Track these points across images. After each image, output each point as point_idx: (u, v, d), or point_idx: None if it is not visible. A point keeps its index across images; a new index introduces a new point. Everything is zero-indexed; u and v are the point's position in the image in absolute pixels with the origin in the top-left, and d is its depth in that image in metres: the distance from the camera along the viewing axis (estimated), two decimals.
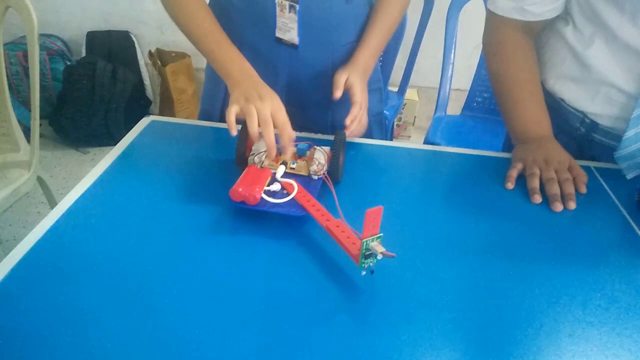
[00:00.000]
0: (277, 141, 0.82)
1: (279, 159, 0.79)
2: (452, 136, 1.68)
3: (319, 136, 0.95)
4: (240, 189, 0.69)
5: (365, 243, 0.58)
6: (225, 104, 1.04)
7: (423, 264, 0.66)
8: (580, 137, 0.94)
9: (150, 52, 2.59)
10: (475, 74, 1.77)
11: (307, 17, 0.88)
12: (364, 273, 0.61)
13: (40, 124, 1.33)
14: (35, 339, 0.53)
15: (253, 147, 0.80)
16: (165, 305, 0.58)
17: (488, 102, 1.80)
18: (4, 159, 1.38)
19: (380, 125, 1.14)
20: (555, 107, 0.95)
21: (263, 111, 0.75)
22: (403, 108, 2.58)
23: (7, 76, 1.35)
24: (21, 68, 2.46)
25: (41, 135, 1.36)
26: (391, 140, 2.08)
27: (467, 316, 0.59)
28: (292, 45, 0.91)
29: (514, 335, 0.57)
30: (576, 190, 0.82)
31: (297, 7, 0.86)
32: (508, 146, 0.96)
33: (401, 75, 1.99)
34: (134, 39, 2.59)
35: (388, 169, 0.89)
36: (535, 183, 0.82)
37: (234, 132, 0.75)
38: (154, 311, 0.57)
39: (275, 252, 0.67)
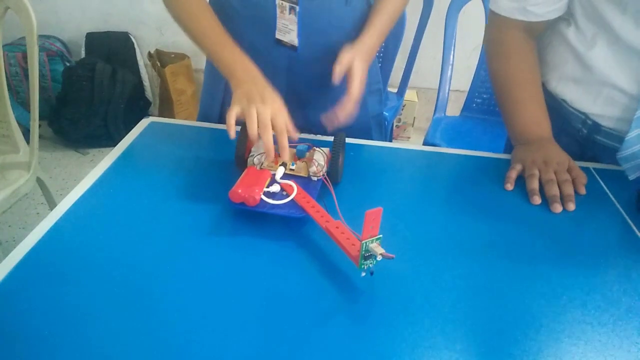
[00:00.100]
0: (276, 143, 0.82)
1: (278, 160, 0.79)
2: (451, 137, 1.68)
3: (319, 137, 0.95)
4: (240, 190, 0.69)
5: (364, 244, 0.58)
6: (224, 106, 1.04)
7: (423, 265, 0.66)
8: (582, 138, 0.94)
9: (149, 53, 2.59)
10: (474, 75, 1.77)
11: (306, 19, 0.88)
12: (363, 274, 0.61)
13: (40, 125, 1.33)
14: (35, 340, 0.53)
15: (252, 149, 0.80)
16: (165, 306, 0.58)
17: (487, 103, 1.80)
18: (4, 160, 1.38)
19: (380, 127, 1.14)
20: (557, 109, 0.95)
21: (263, 114, 0.75)
22: (402, 109, 2.58)
23: (7, 77, 1.35)
24: (20, 69, 2.45)
25: (40, 137, 1.36)
26: (390, 141, 2.08)
27: (467, 317, 0.59)
28: (292, 47, 0.91)
29: (513, 336, 0.57)
30: (575, 191, 0.82)
31: (297, 8, 0.86)
32: (509, 147, 0.96)
33: (400, 76, 2.00)
34: (133, 40, 2.59)
35: (387, 170, 0.89)
36: (535, 184, 0.82)
37: (233, 135, 0.75)
38: (153, 312, 0.57)
39: (274, 254, 0.67)
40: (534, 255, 0.70)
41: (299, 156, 0.80)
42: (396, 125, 2.65)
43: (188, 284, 0.61)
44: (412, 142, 2.65)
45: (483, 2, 1.67)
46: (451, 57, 1.74)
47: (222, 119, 1.05)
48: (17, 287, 0.59)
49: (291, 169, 0.78)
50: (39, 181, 1.41)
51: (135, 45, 2.60)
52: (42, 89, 2.48)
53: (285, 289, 0.61)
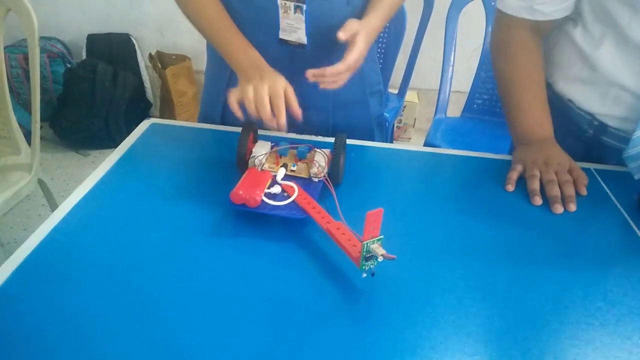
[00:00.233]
0: (278, 144, 0.82)
1: (279, 161, 0.80)
2: (452, 138, 1.68)
3: (320, 139, 0.95)
4: (241, 192, 0.69)
5: (365, 245, 0.58)
6: (225, 107, 1.04)
7: (424, 266, 0.66)
8: (588, 139, 0.94)
9: (150, 54, 2.59)
10: (475, 76, 1.77)
11: (309, 19, 0.88)
12: (364, 275, 0.61)
13: (41, 127, 1.33)
14: (37, 342, 0.53)
15: (254, 150, 0.80)
16: (166, 307, 0.58)
17: (488, 104, 1.80)
18: (5, 162, 1.38)
19: (381, 128, 1.14)
20: (564, 110, 0.95)
21: (259, 91, 0.77)
22: (403, 110, 2.58)
23: (8, 79, 1.35)
24: (22, 71, 2.46)
25: (42, 138, 1.36)
26: (391, 142, 2.08)
27: (468, 318, 0.59)
28: (300, 45, 0.91)
29: (515, 336, 0.57)
30: (576, 192, 0.82)
31: (304, 7, 0.86)
32: (514, 149, 0.95)
33: (401, 77, 2.00)
34: (134, 41, 2.60)
35: (388, 171, 0.89)
36: (536, 185, 0.82)
37: (240, 114, 0.78)
38: (155, 313, 0.57)
39: (275, 255, 0.67)
40: (535, 256, 0.70)
41: (299, 157, 0.80)
42: (397, 126, 2.65)
43: (189, 285, 0.61)
44: (413, 143, 2.65)
45: (483, 3, 1.67)
46: (452, 58, 1.74)
47: (223, 120, 1.05)
48: (19, 289, 0.59)
49: (292, 170, 0.78)
50: (41, 183, 1.41)
51: (136, 47, 2.60)
52: (43, 90, 2.49)
53: (287, 290, 0.61)
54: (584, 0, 0.86)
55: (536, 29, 0.91)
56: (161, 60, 2.56)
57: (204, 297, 0.60)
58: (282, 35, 0.91)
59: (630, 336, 0.58)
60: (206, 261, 0.65)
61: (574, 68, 0.91)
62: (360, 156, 0.91)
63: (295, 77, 0.97)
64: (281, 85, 0.80)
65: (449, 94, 1.79)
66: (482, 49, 1.73)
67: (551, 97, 0.95)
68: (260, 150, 0.80)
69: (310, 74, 0.80)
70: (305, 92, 1.00)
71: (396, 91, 2.04)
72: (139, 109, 2.57)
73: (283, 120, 0.77)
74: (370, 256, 0.59)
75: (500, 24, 0.94)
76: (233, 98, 0.80)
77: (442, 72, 1.75)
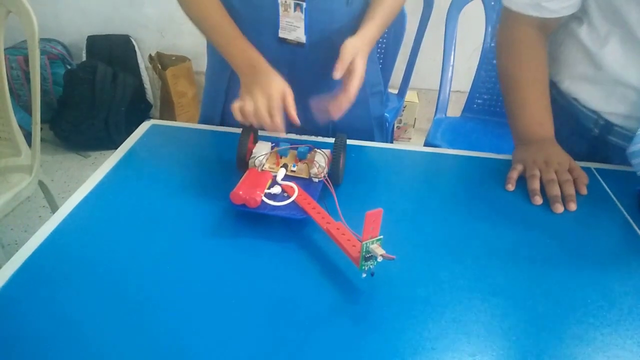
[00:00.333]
0: (279, 144, 0.82)
1: (279, 162, 0.80)
2: (452, 138, 1.68)
3: (320, 139, 0.95)
4: (241, 192, 0.69)
5: (365, 245, 0.58)
6: (226, 108, 1.04)
7: (423, 266, 0.66)
8: (594, 138, 0.94)
9: (150, 55, 2.60)
10: (475, 76, 1.77)
11: (309, 19, 0.88)
12: (364, 275, 0.61)
13: (41, 128, 1.33)
14: (37, 344, 0.53)
15: (254, 150, 0.80)
16: (166, 308, 0.58)
17: (488, 104, 1.80)
18: (5, 163, 1.39)
19: (381, 128, 1.14)
20: (569, 109, 0.95)
21: (257, 103, 0.79)
22: (403, 110, 2.58)
23: (8, 81, 1.35)
24: (22, 72, 2.46)
25: (42, 139, 1.36)
26: (391, 142, 2.08)
27: (468, 318, 0.59)
28: (299, 44, 0.91)
29: (515, 336, 0.57)
30: (577, 191, 0.82)
31: (304, 5, 0.86)
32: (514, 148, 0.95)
33: (401, 78, 2.00)
34: (134, 42, 2.60)
35: (388, 172, 0.89)
36: (536, 184, 0.82)
37: (242, 120, 0.80)
38: (155, 314, 0.57)
39: (276, 255, 0.67)
40: (535, 255, 0.70)
41: (300, 158, 0.80)
42: (397, 127, 2.65)
43: (190, 285, 0.61)
44: (413, 143, 2.65)
45: (483, 3, 1.67)
46: (452, 58, 1.74)
47: (223, 121, 1.05)
48: (20, 290, 0.59)
49: (292, 171, 0.78)
50: (41, 184, 1.41)
51: (136, 48, 2.61)
52: (43, 92, 2.49)
53: (286, 290, 0.61)
54: None
55: (542, 26, 0.90)
56: (161, 62, 2.57)
57: (205, 297, 0.60)
58: (282, 33, 0.91)
59: (632, 335, 0.58)
60: (207, 261, 0.65)
61: (579, 67, 0.91)
62: (360, 156, 0.91)
63: (294, 76, 0.97)
64: (278, 90, 0.80)
65: (449, 93, 1.79)
66: (482, 48, 1.73)
67: (556, 97, 0.95)
68: (261, 151, 0.80)
69: (315, 106, 0.83)
70: (305, 92, 1.00)
71: (396, 91, 2.04)
72: (139, 110, 2.57)
73: (278, 124, 0.78)
74: (369, 256, 0.59)
75: (505, 21, 0.94)
76: (236, 110, 0.80)
77: (442, 72, 1.75)
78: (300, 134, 0.97)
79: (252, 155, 0.79)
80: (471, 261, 0.68)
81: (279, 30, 0.90)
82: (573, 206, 0.79)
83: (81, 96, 2.37)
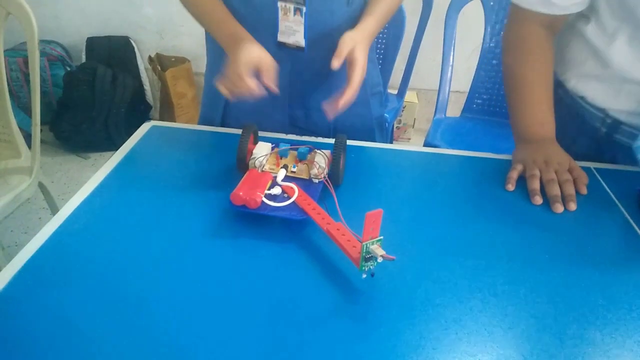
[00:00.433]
0: (279, 145, 0.82)
1: (279, 162, 0.80)
2: (452, 138, 1.68)
3: (320, 139, 0.95)
4: (241, 193, 0.69)
5: (365, 246, 0.58)
6: (226, 109, 1.04)
7: (423, 267, 0.66)
8: (601, 138, 0.93)
9: (150, 57, 2.60)
10: (474, 76, 1.77)
11: (309, 21, 0.89)
12: (364, 276, 0.61)
13: (41, 130, 1.33)
14: (38, 345, 0.53)
15: (254, 151, 0.80)
16: (167, 309, 0.58)
17: (487, 104, 1.80)
18: (5, 165, 1.39)
19: (381, 128, 1.15)
20: (576, 108, 0.94)
21: (227, 77, 0.81)
22: (403, 110, 2.58)
23: (8, 82, 1.36)
24: (21, 74, 2.46)
25: (42, 141, 1.36)
26: (391, 142, 2.08)
27: (468, 318, 0.59)
28: (298, 48, 0.91)
29: (515, 336, 0.57)
30: (577, 191, 0.82)
31: (304, 9, 0.86)
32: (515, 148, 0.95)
33: (400, 78, 2.00)
34: (133, 44, 2.60)
35: (388, 172, 0.89)
36: (536, 184, 0.82)
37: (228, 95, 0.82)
38: (156, 315, 0.57)
39: (276, 256, 0.67)
40: (535, 255, 0.70)
41: (300, 158, 0.80)
42: (396, 127, 2.65)
43: (190, 286, 0.61)
44: (413, 143, 2.66)
45: (482, 3, 1.67)
46: (451, 58, 1.74)
47: (224, 122, 1.05)
48: (21, 292, 0.59)
49: (292, 172, 0.78)
50: (41, 186, 1.41)
51: (136, 50, 2.61)
52: (43, 93, 2.49)
53: (287, 291, 0.61)
54: None
55: (550, 25, 0.89)
56: (161, 63, 2.57)
57: (205, 298, 0.60)
58: (281, 37, 0.91)
59: (632, 335, 0.58)
60: (207, 262, 0.65)
61: (586, 65, 0.91)
62: (360, 157, 0.91)
63: (295, 79, 0.98)
64: (248, 55, 0.80)
65: (448, 94, 1.79)
66: (481, 48, 1.73)
67: (562, 96, 0.95)
68: (261, 152, 0.80)
69: (327, 108, 0.82)
70: (306, 93, 1.01)
71: (396, 92, 2.05)
72: (139, 111, 2.57)
73: (246, 85, 0.79)
74: (369, 257, 0.59)
75: (513, 18, 0.93)
76: (219, 86, 0.82)
77: (441, 72, 1.75)
78: (302, 134, 0.97)
79: (252, 156, 0.79)
80: (471, 261, 0.68)
81: (278, 34, 0.90)
82: (573, 206, 0.79)
83: (81, 98, 2.37)
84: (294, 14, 0.87)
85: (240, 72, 0.79)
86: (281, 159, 0.81)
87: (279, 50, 0.92)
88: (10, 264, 0.63)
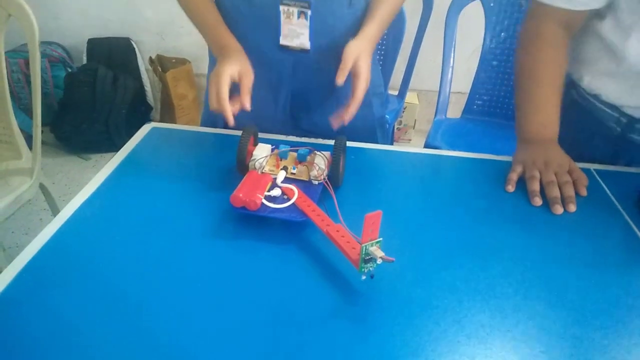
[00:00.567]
0: (279, 147, 0.82)
1: (279, 164, 0.80)
2: (452, 139, 1.68)
3: (320, 141, 0.96)
4: (241, 195, 0.69)
5: (364, 248, 0.58)
6: None
7: (423, 268, 0.67)
8: (616, 137, 0.93)
9: (150, 58, 2.60)
10: (475, 77, 1.77)
11: (312, 21, 0.89)
12: (363, 277, 0.61)
13: (42, 131, 1.34)
14: (38, 347, 0.53)
15: (254, 153, 0.80)
16: (167, 310, 0.58)
17: (488, 105, 1.80)
18: (6, 166, 1.39)
19: (383, 129, 1.15)
20: (590, 109, 0.94)
21: (209, 95, 0.82)
22: (403, 111, 2.58)
23: (9, 83, 1.36)
24: (22, 75, 2.46)
25: (43, 142, 1.36)
26: (391, 144, 2.08)
27: (468, 319, 0.59)
28: (302, 51, 0.91)
29: (515, 337, 0.57)
30: (576, 192, 0.82)
31: (309, 12, 0.86)
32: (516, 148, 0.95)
33: (401, 79, 2.00)
34: (134, 45, 2.60)
35: (389, 173, 0.89)
36: (536, 186, 0.82)
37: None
38: (156, 316, 0.57)
39: (275, 257, 0.67)
40: (535, 256, 0.70)
41: (300, 160, 0.80)
42: (397, 128, 2.65)
43: (190, 287, 0.61)
44: (413, 144, 2.65)
45: (482, 4, 1.67)
46: (451, 59, 1.74)
47: (226, 124, 1.05)
48: (22, 293, 0.60)
49: (292, 173, 0.78)
50: (42, 187, 1.41)
51: (137, 51, 2.61)
52: (44, 95, 2.49)
53: (286, 292, 0.61)
54: None
55: (568, 23, 0.88)
56: (161, 64, 2.57)
57: (205, 299, 0.60)
58: (283, 41, 0.91)
59: (631, 336, 0.58)
60: (207, 264, 0.65)
61: (600, 63, 0.90)
62: (360, 158, 0.91)
63: (298, 81, 0.98)
64: (227, 71, 0.81)
65: (448, 95, 1.79)
66: (482, 49, 1.73)
67: (576, 98, 0.94)
68: (261, 153, 0.80)
69: (333, 121, 0.84)
70: (309, 95, 1.01)
71: (396, 93, 2.05)
72: (140, 112, 2.58)
73: (221, 107, 0.79)
74: (369, 258, 0.59)
75: (533, 14, 0.92)
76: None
77: (441, 73, 1.75)
78: (304, 135, 0.97)
79: (252, 158, 0.80)
80: (471, 263, 0.68)
81: (281, 38, 0.90)
82: (573, 207, 0.79)
83: (82, 99, 2.37)
84: (298, 17, 0.87)
85: (220, 92, 0.80)
86: (281, 160, 0.81)
87: (281, 52, 0.92)
88: (11, 265, 0.63)
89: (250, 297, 0.60)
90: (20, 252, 0.65)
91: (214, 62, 1.05)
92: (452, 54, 1.73)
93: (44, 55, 2.46)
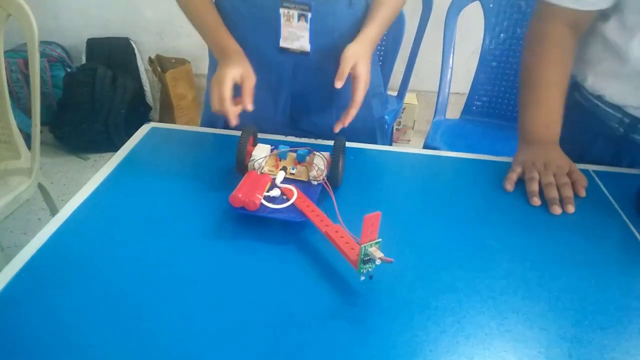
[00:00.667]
0: (278, 147, 0.82)
1: (278, 164, 0.80)
2: (451, 140, 1.68)
3: (319, 141, 0.96)
4: (240, 195, 0.69)
5: (363, 248, 0.58)
6: None
7: (422, 269, 0.67)
8: (619, 138, 0.93)
9: (150, 58, 2.60)
10: (474, 78, 1.77)
11: (313, 24, 0.89)
12: (362, 278, 0.61)
13: (41, 131, 1.34)
14: (37, 347, 0.53)
15: (253, 153, 0.80)
16: (166, 310, 0.58)
17: (487, 106, 1.80)
18: (5, 166, 1.39)
19: (383, 129, 1.15)
20: (593, 111, 0.94)
21: (212, 99, 0.83)
22: (402, 112, 2.58)
23: (8, 83, 1.36)
24: (22, 75, 2.46)
25: (42, 142, 1.36)
26: (391, 144, 2.08)
27: (467, 320, 0.59)
28: (302, 53, 0.91)
29: (514, 338, 0.57)
30: (575, 194, 0.82)
31: (309, 15, 0.86)
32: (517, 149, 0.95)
33: (400, 80, 2.00)
34: (133, 45, 2.60)
35: (388, 174, 0.89)
36: (534, 187, 0.82)
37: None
38: (155, 316, 0.57)
39: (274, 258, 0.67)
40: (534, 257, 0.70)
41: (299, 160, 0.80)
42: (396, 129, 2.65)
43: (189, 287, 0.61)
44: (412, 145, 2.66)
45: (482, 5, 1.67)
46: (450, 60, 1.74)
47: (227, 124, 1.05)
48: (20, 293, 0.60)
49: (291, 173, 0.78)
50: (41, 187, 1.41)
51: (136, 51, 2.61)
52: (43, 94, 2.49)
53: (285, 293, 0.61)
54: None
55: (574, 24, 0.88)
56: (161, 64, 2.57)
57: (204, 299, 0.60)
58: (283, 43, 0.91)
59: (630, 337, 0.58)
60: (206, 264, 0.65)
61: (604, 63, 0.90)
62: (359, 159, 0.91)
63: (296, 81, 0.98)
64: (230, 75, 0.82)
65: (447, 95, 1.79)
66: (481, 50, 1.73)
67: (580, 100, 0.94)
68: (260, 154, 0.80)
69: (335, 126, 0.85)
70: (309, 95, 1.01)
71: (395, 93, 2.05)
72: (139, 112, 2.57)
73: (225, 111, 0.81)
74: (368, 259, 0.59)
75: (540, 14, 0.91)
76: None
77: (440, 74, 1.76)
78: (304, 136, 0.97)
79: (252, 158, 0.80)
80: (470, 264, 0.68)
81: (281, 40, 0.90)
82: (571, 208, 0.79)
83: (81, 99, 2.37)
84: (298, 19, 0.87)
85: (223, 94, 0.81)
86: (280, 160, 0.81)
87: (281, 54, 0.92)
88: (9, 265, 0.63)
89: (249, 298, 0.60)
90: (19, 251, 0.65)
91: (214, 62, 1.05)
92: (452, 55, 1.73)
93: (43, 55, 2.46)
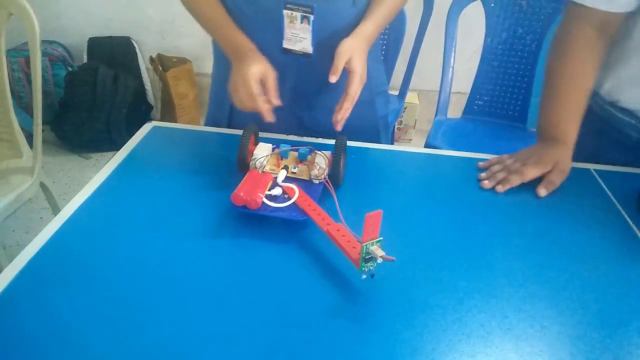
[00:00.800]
0: (279, 146, 0.82)
1: (280, 163, 0.80)
2: (453, 139, 1.68)
3: (320, 140, 0.96)
4: (242, 194, 0.69)
5: (365, 247, 0.58)
6: (232, 110, 1.04)
7: (423, 267, 0.67)
8: (634, 145, 0.93)
9: (151, 57, 2.60)
10: (475, 77, 1.77)
11: (316, 24, 0.89)
12: (364, 277, 0.61)
13: (43, 130, 1.34)
14: (39, 346, 0.54)
15: (255, 152, 0.80)
16: (168, 309, 0.58)
17: (488, 105, 1.80)
18: (7, 165, 1.39)
19: (386, 128, 1.15)
20: (606, 117, 0.94)
21: (242, 101, 0.84)
22: (404, 111, 2.58)
23: (10, 82, 1.36)
24: (23, 74, 2.47)
25: (43, 141, 1.36)
26: (392, 143, 2.08)
27: (468, 319, 0.59)
28: (305, 55, 0.91)
29: (515, 336, 0.57)
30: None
31: (312, 17, 0.86)
32: None
33: (401, 79, 2.00)
34: (135, 44, 2.60)
35: (389, 173, 0.89)
36: (488, 172, 0.87)
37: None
38: (157, 315, 0.57)
39: (276, 256, 0.67)
40: (534, 256, 0.70)
41: (300, 159, 0.80)
42: (397, 128, 2.65)
43: (191, 286, 0.62)
44: (414, 144, 2.66)
45: (483, 4, 1.67)
46: (452, 59, 1.74)
47: (230, 121, 1.06)
48: (22, 292, 0.60)
49: (293, 172, 0.78)
50: (42, 186, 1.41)
51: (137, 50, 2.61)
52: (44, 93, 2.49)
53: (287, 291, 0.62)
54: None
55: (603, 26, 0.87)
56: (162, 63, 2.57)
57: (206, 298, 0.60)
58: (286, 44, 0.91)
59: (630, 336, 0.58)
60: (208, 262, 0.65)
61: (622, 68, 0.90)
62: (360, 158, 0.91)
63: (301, 82, 0.98)
64: (253, 75, 0.82)
65: (449, 95, 1.79)
66: (482, 49, 1.73)
67: (594, 109, 0.94)
68: (262, 153, 0.80)
69: (336, 123, 0.84)
70: (312, 94, 1.01)
71: (397, 92, 2.05)
72: (140, 111, 2.58)
73: (260, 109, 0.81)
74: (369, 258, 0.60)
75: (569, 16, 0.90)
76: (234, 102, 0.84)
77: (442, 73, 1.76)
78: (308, 135, 0.97)
79: (253, 157, 0.80)
80: (471, 262, 0.68)
81: (284, 41, 0.90)
82: (501, 188, 0.83)
83: (82, 98, 2.37)
84: (301, 21, 0.87)
85: (252, 92, 0.81)
86: (282, 159, 0.81)
87: (284, 55, 0.92)
88: (11, 264, 0.63)
89: (250, 296, 0.61)
90: (21, 250, 0.65)
91: (219, 60, 1.05)
92: (453, 54, 1.73)
93: (44, 54, 2.46)
